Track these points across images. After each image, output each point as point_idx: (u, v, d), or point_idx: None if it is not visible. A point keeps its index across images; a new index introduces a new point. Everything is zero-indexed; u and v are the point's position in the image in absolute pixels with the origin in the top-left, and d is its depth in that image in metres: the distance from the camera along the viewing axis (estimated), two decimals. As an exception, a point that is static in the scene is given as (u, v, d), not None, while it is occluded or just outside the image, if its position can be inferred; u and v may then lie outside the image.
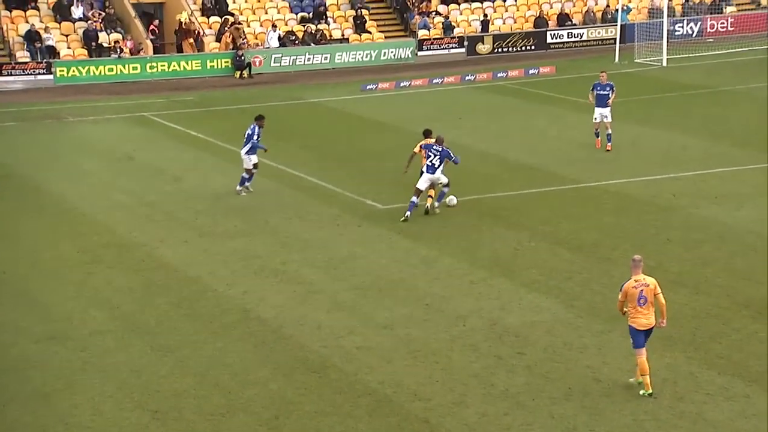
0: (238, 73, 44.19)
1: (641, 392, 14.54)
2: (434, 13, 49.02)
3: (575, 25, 49.18)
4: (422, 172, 23.18)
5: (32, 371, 15.74)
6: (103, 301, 18.63)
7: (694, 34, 48.54)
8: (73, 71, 42.18)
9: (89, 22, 44.31)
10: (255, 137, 25.23)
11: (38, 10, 44.74)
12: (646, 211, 22.63)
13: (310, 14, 47.79)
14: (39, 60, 42.22)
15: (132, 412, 14.50)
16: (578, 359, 15.70)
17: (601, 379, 15.04)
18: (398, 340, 16.58)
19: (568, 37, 48.43)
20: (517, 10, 50.15)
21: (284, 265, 20.27)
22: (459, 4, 49.93)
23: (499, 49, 47.56)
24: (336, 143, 31.20)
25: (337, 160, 28.76)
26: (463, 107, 36.34)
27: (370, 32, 47.77)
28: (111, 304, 18.46)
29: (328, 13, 48.21)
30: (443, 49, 47.29)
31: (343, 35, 47.44)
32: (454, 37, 47.65)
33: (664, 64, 42.64)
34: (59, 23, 44.44)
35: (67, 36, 44.15)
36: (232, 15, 46.67)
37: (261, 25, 47.02)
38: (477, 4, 49.94)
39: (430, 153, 23.21)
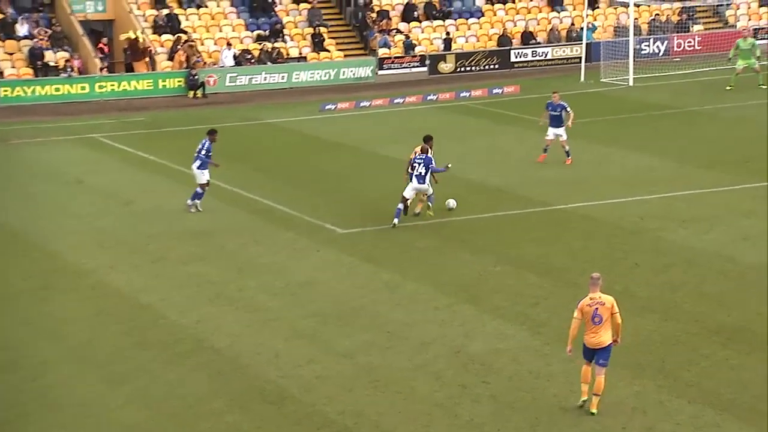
0: (192, 92, 44.12)
1: (582, 399, 14.86)
2: (395, 31, 49.29)
3: (539, 43, 49.67)
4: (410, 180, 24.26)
5: (-23, 404, 15.59)
6: (53, 329, 18.50)
7: (661, 53, 49.18)
8: (18, 91, 41.90)
9: (35, 40, 44.07)
10: (204, 152, 25.47)
11: (-19, 27, 44.49)
12: (614, 235, 22.86)
13: (267, 32, 47.87)
14: (-19, 80, 41.96)
15: (82, 446, 14.39)
16: (545, 388, 15.80)
17: (568, 409, 15.14)
18: (359, 369, 16.60)
19: (532, 56, 48.89)
20: (480, 29, 50.56)
21: (240, 292, 20.23)
22: (420, 22, 50.25)
23: (462, 68, 47.90)
24: (293, 165, 31.23)
25: (295, 183, 28.78)
26: (425, 128, 36.50)
27: (328, 51, 47.93)
28: (62, 332, 18.34)
29: (285, 30, 48.31)
30: (404, 68, 47.53)
31: (300, 54, 47.55)
32: (416, 56, 47.93)
33: (631, 83, 43.15)
34: (3, 41, 44.16)
35: (11, 54, 43.87)
36: (185, 33, 46.64)
37: (215, 43, 47.02)
38: (439, 22, 50.29)
39: (415, 163, 24.45)
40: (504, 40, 49.30)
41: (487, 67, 48.11)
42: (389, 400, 15.53)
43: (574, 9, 52.06)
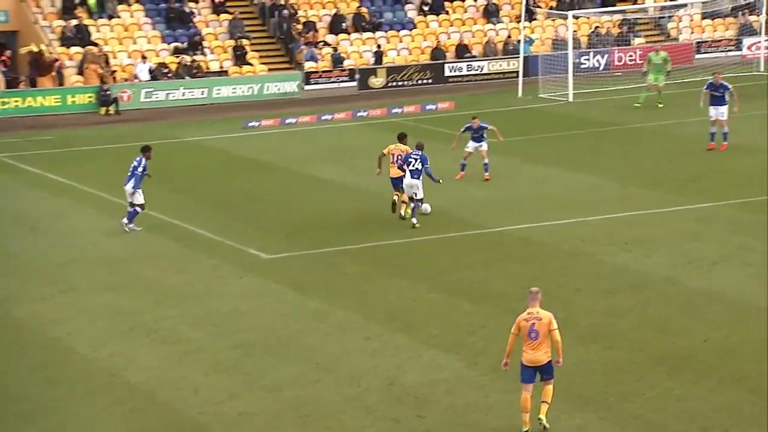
0: (104, 109, 43.77)
1: (523, 430, 14.95)
2: (322, 43, 49.44)
3: (475, 57, 50.17)
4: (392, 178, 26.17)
5: None
6: (-49, 366, 18.18)
7: (601, 68, 49.96)
8: None
9: (-69, 52, 43.44)
10: (140, 169, 25.63)
11: None
12: (554, 258, 23.12)
13: (185, 44, 47.71)
14: None
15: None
16: (483, 421, 15.89)
17: (508, 442, 15.25)
18: (286, 404, 16.56)
19: (467, 70, 49.36)
20: (413, 41, 50.93)
21: (157, 323, 20.09)
22: (349, 34, 50.49)
23: (394, 83, 48.18)
24: (215, 186, 31.10)
25: (217, 205, 28.66)
26: (355, 146, 36.65)
27: (251, 64, 47.90)
28: (-39, 369, 18.03)
29: (204, 43, 48.21)
30: (332, 82, 47.67)
31: (221, 67, 47.46)
32: (345, 70, 48.11)
33: (570, 99, 43.75)
34: None
35: None
36: (96, 45, 46.27)
37: (129, 57, 46.73)
38: (369, 34, 50.57)
39: (411, 159, 25.97)
40: (437, 53, 49.71)
41: (420, 81, 48.45)
42: (318, 436, 15.50)
43: (511, 21, 52.71)
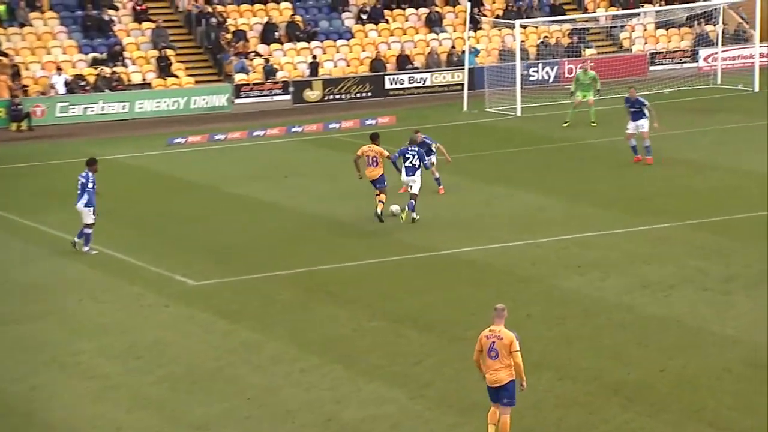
0: (15, 125, 43.33)
1: None
2: (253, 54, 49.40)
3: (417, 68, 50.43)
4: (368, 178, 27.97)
5: None
6: None
7: (551, 80, 50.45)
8: None
9: None
10: (91, 184, 25.62)
11: None
12: (504, 282, 23.24)
13: (104, 55, 47.41)
14: None
15: None
16: (428, 458, 15.89)
17: (455, 481, 15.26)
18: (216, 443, 16.45)
19: (409, 83, 49.59)
20: (351, 51, 51.07)
21: (75, 356, 19.87)
22: (282, 44, 50.51)
23: (331, 96, 48.26)
24: (138, 208, 30.88)
25: (140, 229, 28.45)
26: (289, 163, 36.60)
27: (176, 76, 47.71)
28: None
29: (125, 53, 47.95)
30: (265, 96, 47.64)
31: (144, 80, 47.22)
32: (278, 82, 48.10)
33: (519, 113, 44.08)
34: None
35: None
36: (6, 55, 45.81)
37: (43, 68, 46.32)
38: (303, 44, 50.63)
39: (408, 155, 27.80)
40: (377, 64, 49.89)
41: (358, 94, 48.58)
42: (251, 477, 15.41)
43: (455, 30, 53.09)
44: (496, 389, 15.44)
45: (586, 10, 55.42)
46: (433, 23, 53.18)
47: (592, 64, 46.11)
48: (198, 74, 48.62)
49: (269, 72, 48.38)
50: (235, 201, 31.56)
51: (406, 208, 27.68)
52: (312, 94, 48.25)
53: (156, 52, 48.07)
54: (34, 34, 47.79)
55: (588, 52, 52.62)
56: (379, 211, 27.77)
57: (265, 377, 18.77)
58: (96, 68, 46.38)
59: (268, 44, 50.17)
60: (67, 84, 45.39)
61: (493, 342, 15.36)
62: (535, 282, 23.38)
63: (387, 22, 52.92)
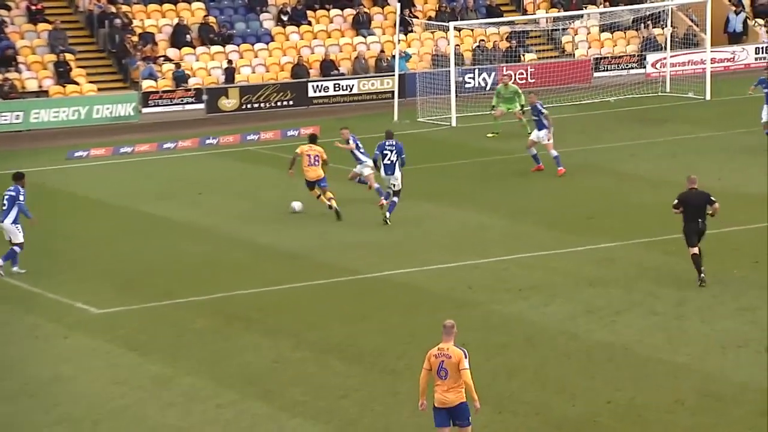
0: None
1: None
2: (162, 58, 49.17)
3: (343, 74, 50.51)
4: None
5: None
6: None
7: (488, 87, 50.72)
8: None
9: None
10: (21, 198, 25.86)
11: None
12: (439, 308, 23.27)
13: (-4, 59, 46.92)
14: None
15: None
16: (358, 501, 15.86)
17: None
18: (123, 488, 16.29)
19: (334, 90, 49.64)
20: (270, 56, 51.02)
21: (-36, 394, 19.58)
22: (195, 48, 50.33)
23: (248, 105, 48.14)
24: (33, 229, 30.51)
25: (36, 251, 28.11)
26: (202, 179, 36.42)
27: (77, 83, 47.35)
28: None
29: (19, 57, 47.48)
30: (176, 104, 47.41)
31: (40, 87, 46.80)
32: (190, 90, 47.90)
33: (454, 123, 44.30)
34: None
35: None
36: None
37: (-71, 73, 45.73)
38: (218, 48, 50.49)
39: (385, 151, 29.16)
40: (300, 70, 49.90)
41: (279, 103, 48.53)
42: None
43: (384, 33, 53.27)
44: (446, 411, 15.59)
45: (525, 12, 55.78)
46: (361, 25, 53.32)
47: (511, 74, 46.57)
48: (101, 81, 48.27)
49: (180, 78, 48.18)
50: (143, 220, 31.31)
51: (388, 213, 29.25)
52: (228, 103, 48.10)
53: (54, 57, 47.66)
54: None
55: (528, 57, 53.05)
56: (335, 205, 29.81)
57: (177, 415, 18.62)
58: (-13, 74, 45.87)
59: (179, 48, 49.97)
60: (-45, 91, 44.86)
61: (442, 361, 15.61)
62: (472, 307, 23.46)
63: (310, 23, 52.96)
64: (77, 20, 50.73)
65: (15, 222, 25.98)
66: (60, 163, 39.35)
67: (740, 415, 17.94)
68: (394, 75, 47.83)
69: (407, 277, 25.51)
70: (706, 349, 20.72)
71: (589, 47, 55.29)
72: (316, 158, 30.08)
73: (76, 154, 40.27)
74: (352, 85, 49.91)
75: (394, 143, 29.27)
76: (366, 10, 54.08)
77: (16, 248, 26.03)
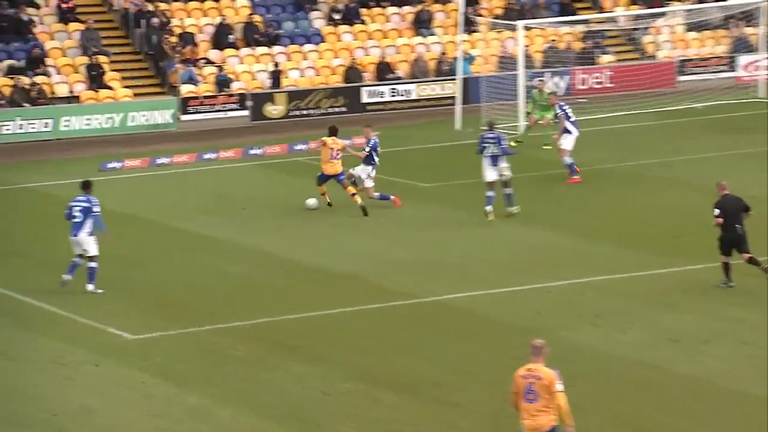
0: None
1: None
2: (203, 61, 49.48)
3: (400, 78, 50.58)
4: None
5: None
6: None
7: (561, 93, 50.60)
8: None
9: None
10: (96, 209, 26.35)
11: None
12: (502, 335, 23.27)
13: (22, 62, 47.40)
14: None
15: None
16: None
17: None
18: None
19: (390, 96, 49.73)
20: (320, 58, 51.21)
21: (-16, 427, 19.82)
22: (238, 50, 50.62)
23: (297, 112, 48.36)
24: (62, 246, 30.80)
25: (64, 271, 28.39)
26: (245, 193, 36.59)
27: (111, 88, 47.75)
28: None
29: (48, 60, 47.96)
30: (217, 111, 47.70)
31: (71, 92, 47.22)
32: (233, 95, 48.18)
33: (522, 131, 44.18)
34: None
35: None
36: None
37: (-50, 78, 46.34)
38: (264, 50, 50.75)
39: (486, 144, 31.57)
40: (353, 73, 50.02)
41: (330, 109, 48.69)
42: None
43: (446, 33, 53.28)
44: None
45: (602, 10, 55.58)
46: (420, 24, 53.38)
47: (546, 80, 46.58)
48: (137, 85, 48.65)
49: (222, 83, 48.46)
50: (181, 238, 31.53)
51: (489, 206, 31.02)
52: (274, 110, 48.34)
53: (86, 59, 48.08)
54: (-62, 38, 47.85)
55: (605, 59, 52.90)
56: (363, 203, 31.65)
57: (215, 450, 18.75)
58: (12, 78, 46.36)
59: (222, 49, 50.27)
60: (-22, 97, 45.42)
61: (531, 383, 15.57)
62: (540, 334, 23.35)
63: (364, 23, 53.12)
64: (111, 19, 51.16)
65: (92, 233, 26.41)
66: (92, 174, 39.46)
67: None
68: (456, 79, 47.82)
69: (467, 301, 25.50)
70: (801, 383, 20.58)
71: (674, 48, 55.02)
72: (338, 153, 31.78)
73: (110, 166, 40.59)
74: (411, 90, 49.98)
75: (494, 134, 31.49)
76: (427, 7, 54.07)
77: (93, 264, 26.35)
